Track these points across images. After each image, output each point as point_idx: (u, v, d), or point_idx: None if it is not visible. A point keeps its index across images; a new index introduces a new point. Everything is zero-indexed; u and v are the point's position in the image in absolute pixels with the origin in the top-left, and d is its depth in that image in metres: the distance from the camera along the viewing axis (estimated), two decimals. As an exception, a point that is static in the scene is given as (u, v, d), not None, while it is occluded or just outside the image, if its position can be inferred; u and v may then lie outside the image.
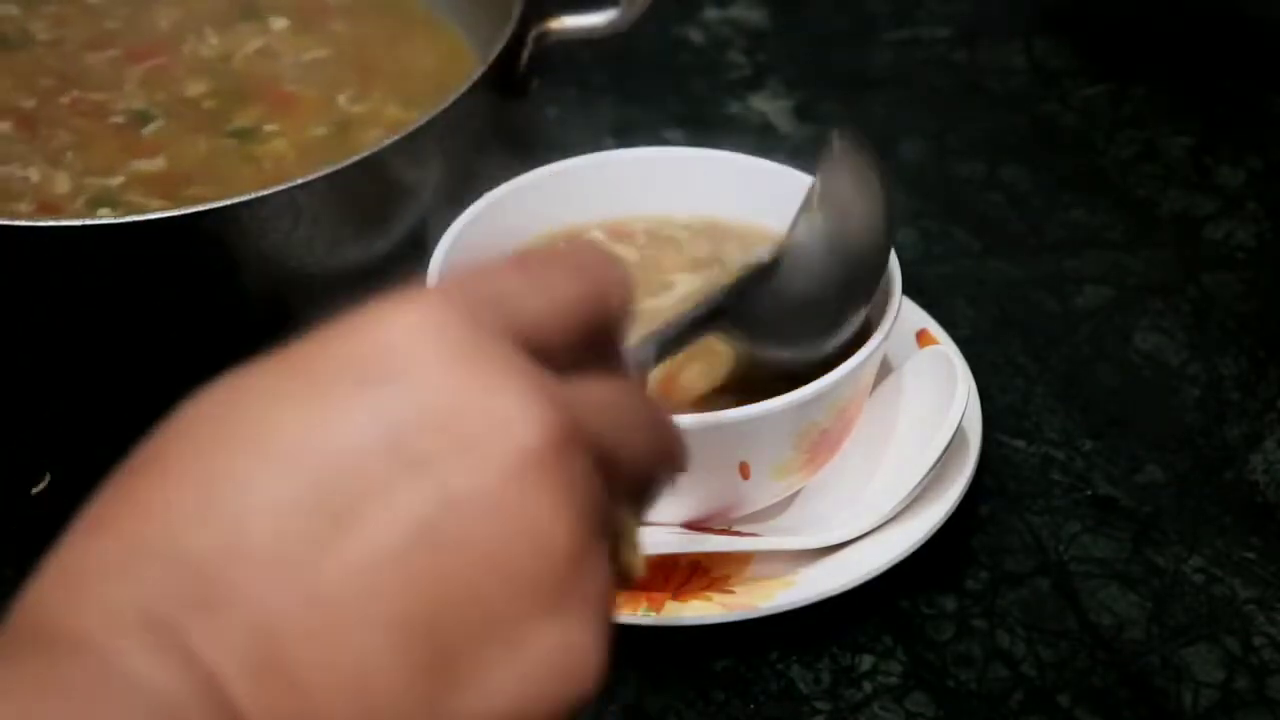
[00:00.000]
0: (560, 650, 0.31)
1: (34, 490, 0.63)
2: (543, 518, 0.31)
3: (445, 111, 0.64)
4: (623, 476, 0.34)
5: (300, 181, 0.61)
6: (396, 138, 0.63)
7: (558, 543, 0.31)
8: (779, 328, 0.56)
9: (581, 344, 0.34)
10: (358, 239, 0.65)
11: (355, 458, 0.30)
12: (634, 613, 0.56)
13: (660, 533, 0.58)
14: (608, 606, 0.32)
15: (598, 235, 0.65)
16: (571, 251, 0.36)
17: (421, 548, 0.30)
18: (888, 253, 0.58)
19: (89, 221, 0.62)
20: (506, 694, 0.31)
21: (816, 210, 0.57)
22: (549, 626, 0.31)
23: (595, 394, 0.34)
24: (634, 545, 0.36)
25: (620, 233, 0.65)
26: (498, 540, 0.30)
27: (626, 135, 0.80)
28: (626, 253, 0.65)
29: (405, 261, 0.64)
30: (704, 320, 0.53)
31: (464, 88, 0.65)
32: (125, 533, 0.30)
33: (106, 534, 0.30)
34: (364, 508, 0.30)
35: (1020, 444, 0.64)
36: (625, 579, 0.35)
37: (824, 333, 0.57)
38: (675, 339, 0.51)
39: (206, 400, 0.32)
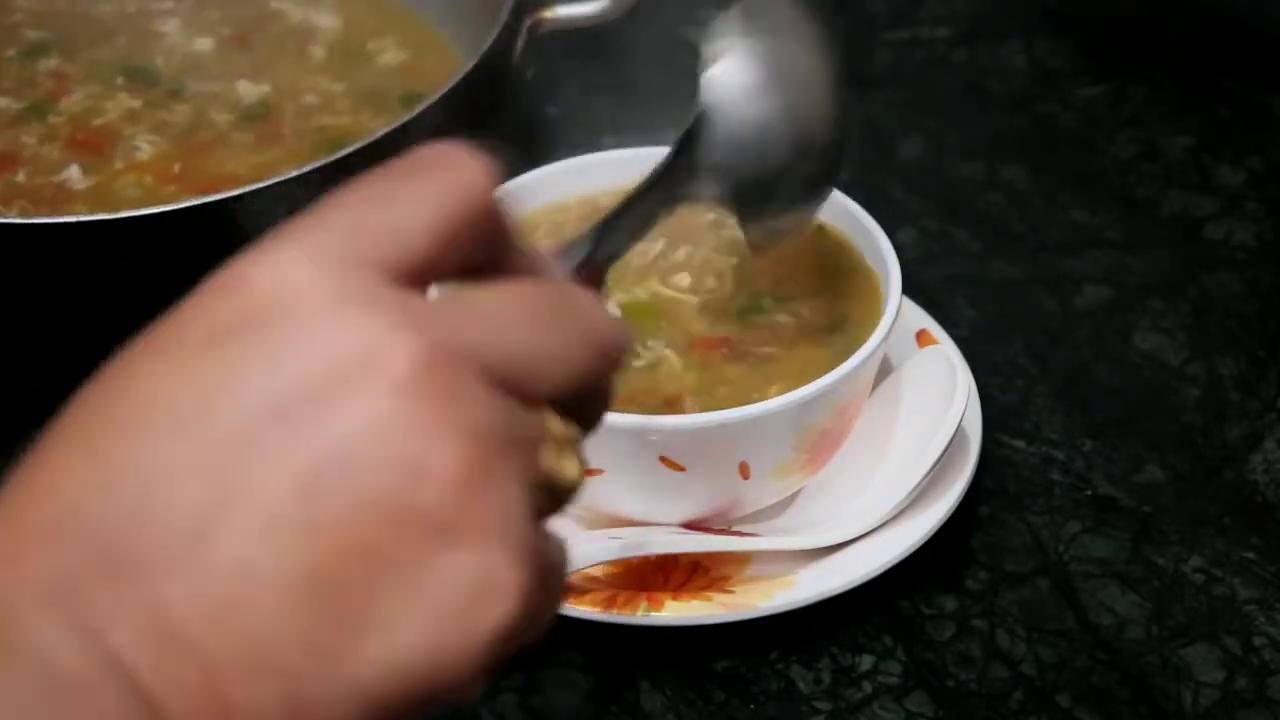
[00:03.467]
0: (463, 582, 0.30)
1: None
2: (417, 447, 0.30)
3: (441, 99, 0.64)
4: (544, 382, 0.33)
5: (296, 174, 0.61)
6: (392, 128, 0.63)
7: (438, 469, 0.30)
8: (743, 176, 0.52)
9: (464, 249, 0.33)
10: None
11: (236, 422, 0.30)
12: (634, 613, 0.56)
13: (660, 533, 0.58)
14: (518, 523, 0.31)
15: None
16: (428, 157, 0.34)
17: (305, 504, 0.29)
18: (840, 127, 0.54)
19: (83, 218, 0.61)
20: (412, 639, 0.30)
21: (741, 37, 0.54)
22: (446, 559, 0.30)
23: (485, 303, 0.33)
24: (572, 453, 0.34)
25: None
26: (377, 480, 0.30)
27: (626, 135, 0.80)
28: None
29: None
30: (649, 195, 0.48)
31: (458, 76, 0.65)
32: (27, 517, 0.30)
33: (10, 518, 0.30)
34: (250, 470, 0.30)
35: (1020, 444, 0.64)
36: (562, 490, 0.34)
37: (791, 178, 0.54)
38: (618, 222, 0.46)
39: (99, 380, 0.32)
